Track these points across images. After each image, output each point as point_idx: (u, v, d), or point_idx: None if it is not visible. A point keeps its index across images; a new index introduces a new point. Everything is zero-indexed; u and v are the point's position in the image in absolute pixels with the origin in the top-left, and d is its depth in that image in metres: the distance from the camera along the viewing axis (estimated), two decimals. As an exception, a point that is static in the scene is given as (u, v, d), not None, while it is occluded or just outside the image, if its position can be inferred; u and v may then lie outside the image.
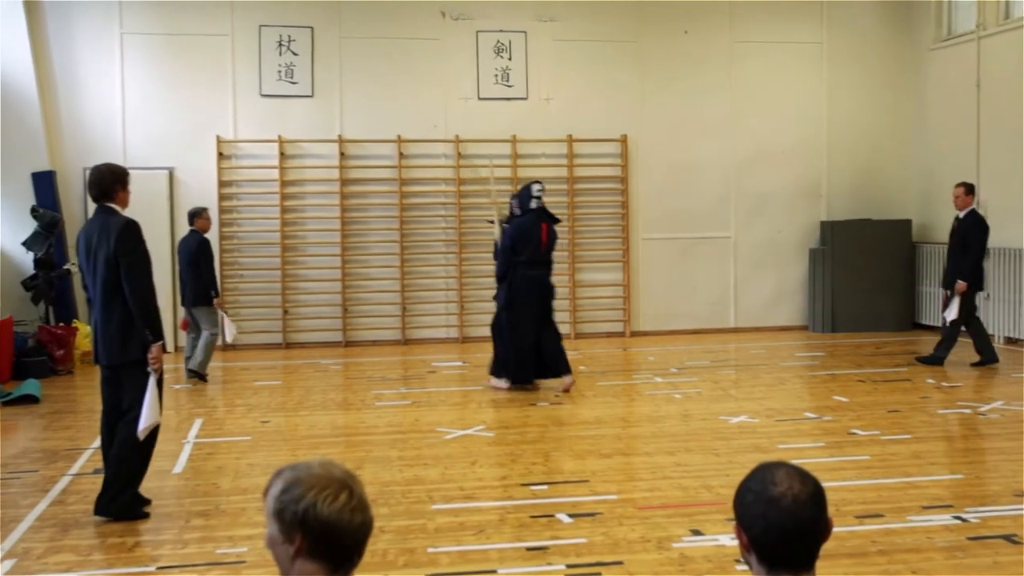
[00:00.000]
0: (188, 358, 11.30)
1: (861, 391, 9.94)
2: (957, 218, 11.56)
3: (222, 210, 13.90)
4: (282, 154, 14.00)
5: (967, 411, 8.88)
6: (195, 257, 11.13)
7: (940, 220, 14.90)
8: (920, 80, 15.29)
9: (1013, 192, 12.97)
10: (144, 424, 6.02)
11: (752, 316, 15.16)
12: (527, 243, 10.25)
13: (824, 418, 8.64)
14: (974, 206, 11.51)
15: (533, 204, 10.37)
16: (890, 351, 12.87)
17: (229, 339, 11.62)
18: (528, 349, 10.20)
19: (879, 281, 14.80)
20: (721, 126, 15.00)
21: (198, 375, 11.14)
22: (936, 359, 11.37)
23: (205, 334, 11.16)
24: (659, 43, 14.86)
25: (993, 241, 13.39)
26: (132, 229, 6.07)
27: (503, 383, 10.36)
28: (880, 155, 15.40)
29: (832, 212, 15.24)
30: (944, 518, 5.69)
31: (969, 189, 11.47)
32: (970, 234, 11.27)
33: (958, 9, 14.85)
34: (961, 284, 11.17)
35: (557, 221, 10.70)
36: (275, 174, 14.02)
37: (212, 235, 13.69)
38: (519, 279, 10.24)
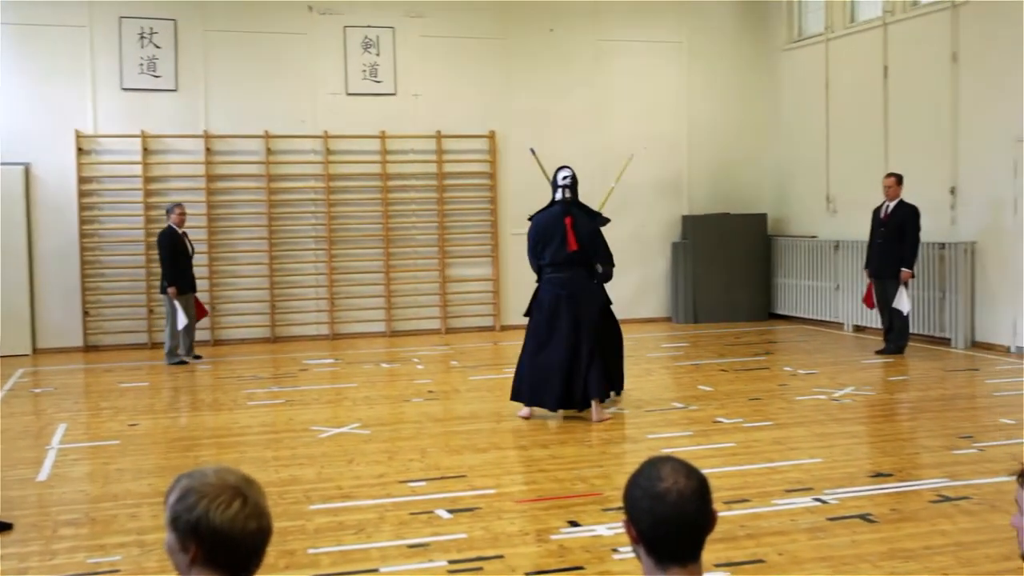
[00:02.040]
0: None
1: (724, 380, 10.34)
2: (885, 208, 11.96)
3: (82, 207, 13.45)
4: (145, 149, 13.63)
5: (822, 397, 9.34)
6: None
7: (794, 214, 15.57)
8: (774, 79, 15.92)
9: (858, 187, 13.64)
10: None
11: (618, 308, 15.25)
12: (549, 241, 8.55)
13: (691, 407, 8.96)
14: (902, 196, 11.93)
15: (558, 195, 8.71)
16: (749, 340, 13.39)
17: (180, 327, 12.06)
18: (545, 367, 8.47)
19: (737, 273, 15.36)
20: (586, 122, 15.29)
21: (181, 361, 12.13)
22: (898, 348, 11.73)
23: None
24: (525, 40, 15.06)
25: (842, 234, 14.11)
26: None
27: (523, 411, 8.70)
28: (737, 151, 15.97)
29: (693, 207, 15.74)
30: (805, 500, 6.01)
31: (899, 179, 11.93)
32: (908, 222, 11.71)
33: (808, 12, 15.52)
34: (906, 272, 11.62)
35: (595, 215, 8.91)
36: (138, 170, 13.63)
37: (71, 232, 13.38)
38: (542, 283, 8.69)
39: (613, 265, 9.10)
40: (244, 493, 2.25)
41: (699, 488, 2.25)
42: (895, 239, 11.73)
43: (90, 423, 9.00)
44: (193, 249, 12.51)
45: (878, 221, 12.06)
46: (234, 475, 2.29)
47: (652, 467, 2.28)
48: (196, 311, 12.48)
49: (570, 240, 8.49)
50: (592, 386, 8.38)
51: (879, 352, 11.85)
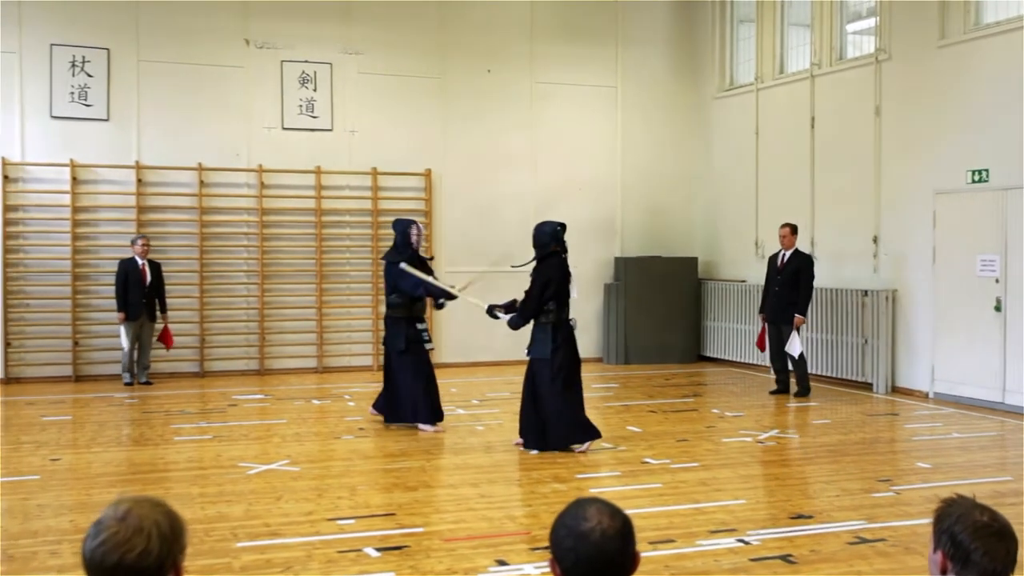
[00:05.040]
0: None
1: (653, 421, 10.47)
2: (781, 256, 12.34)
3: (7, 236, 13.23)
4: (74, 179, 13.46)
5: (748, 440, 9.51)
6: None
7: (724, 258, 15.87)
8: (706, 126, 16.28)
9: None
10: None
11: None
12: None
13: (619, 448, 9.05)
14: (797, 246, 12.33)
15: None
16: (678, 382, 13.58)
17: (124, 349, 12.87)
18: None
19: (668, 315, 15.58)
20: (522, 163, 15.47)
21: (128, 382, 12.93)
22: (805, 390, 12.09)
23: None
24: (462, 80, 15.21)
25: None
26: None
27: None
28: (669, 195, 16.26)
29: (626, 248, 15.96)
30: (729, 541, 6.11)
31: (794, 230, 12.36)
32: (803, 271, 12.10)
33: (739, 62, 15.93)
34: (799, 318, 11.98)
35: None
36: (66, 199, 13.45)
37: (-6, 262, 13.13)
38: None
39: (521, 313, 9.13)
40: (111, 526, 2.21)
41: (622, 529, 2.32)
42: (790, 286, 12.13)
43: (9, 457, 8.79)
44: (155, 279, 13.00)
45: (774, 269, 12.48)
46: (124, 507, 2.25)
47: (578, 507, 2.35)
48: (164, 338, 13.11)
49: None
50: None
51: (773, 392, 12.28)
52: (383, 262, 10.22)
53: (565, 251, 9.08)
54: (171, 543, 2.24)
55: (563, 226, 9.12)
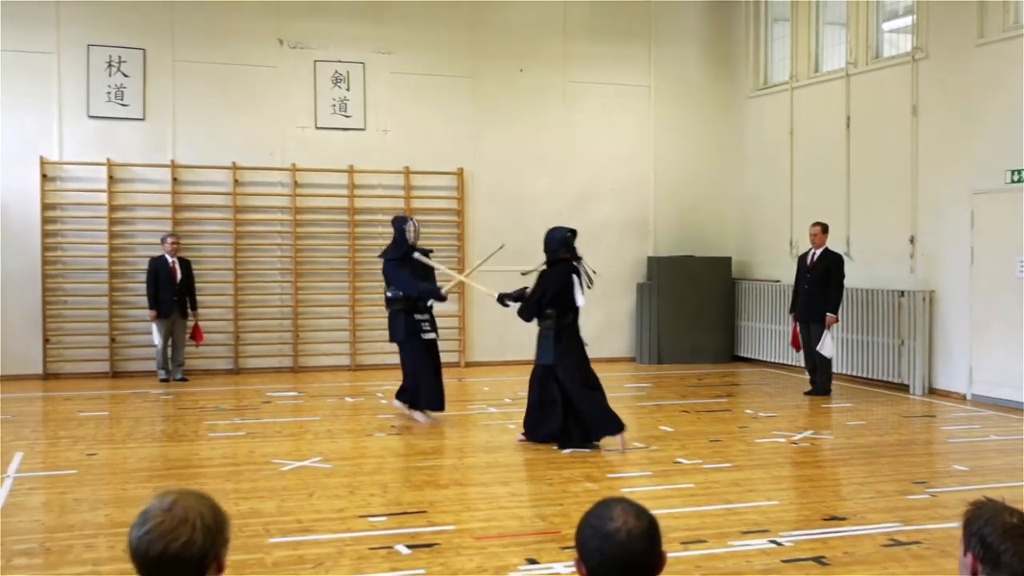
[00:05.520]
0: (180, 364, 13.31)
1: (685, 421, 10.42)
2: (811, 255, 12.29)
3: (45, 234, 13.39)
4: (111, 177, 13.61)
5: (781, 440, 9.44)
6: None
7: (758, 258, 15.78)
8: (740, 125, 16.19)
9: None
10: None
11: (582, 347, 15.57)
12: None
13: (651, 448, 9.02)
14: (827, 245, 12.28)
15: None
16: (711, 382, 13.51)
17: (156, 346, 13.11)
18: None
19: (701, 315, 15.51)
20: (555, 162, 15.45)
21: (164, 379, 13.13)
22: (825, 390, 12.05)
23: None
24: (495, 80, 15.22)
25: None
26: None
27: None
28: (703, 194, 16.18)
29: (659, 248, 15.90)
30: (761, 542, 6.07)
31: (824, 228, 12.28)
32: (833, 270, 12.05)
33: (774, 61, 15.83)
34: (831, 317, 11.92)
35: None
36: (103, 198, 13.60)
37: (33, 259, 13.28)
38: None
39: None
40: (157, 516, 2.26)
41: (648, 529, 2.31)
42: (819, 285, 12.07)
43: (47, 452, 8.91)
44: (185, 277, 13.17)
45: (804, 268, 12.40)
46: (171, 498, 2.31)
47: (604, 507, 2.34)
48: (194, 334, 13.26)
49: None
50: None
51: (807, 393, 12.15)
52: (381, 259, 10.59)
53: (577, 258, 9.08)
54: (215, 535, 2.30)
55: (573, 232, 9.16)
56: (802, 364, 12.82)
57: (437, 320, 10.49)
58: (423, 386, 10.10)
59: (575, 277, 8.96)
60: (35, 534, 6.32)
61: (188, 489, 2.38)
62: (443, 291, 10.25)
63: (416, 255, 10.21)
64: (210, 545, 2.28)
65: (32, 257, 13.33)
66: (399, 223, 10.41)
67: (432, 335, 10.22)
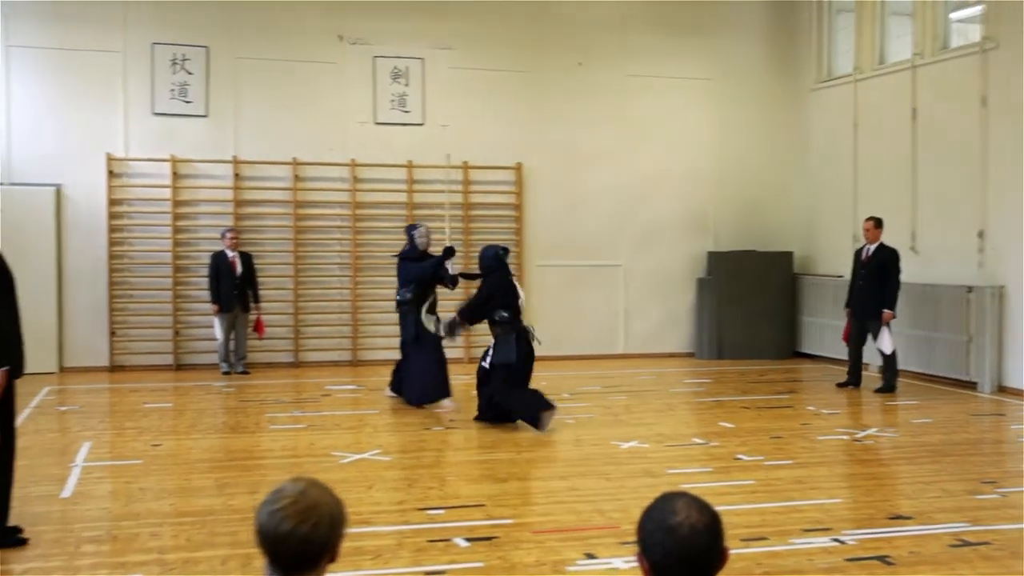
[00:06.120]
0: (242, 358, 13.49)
1: (746, 417, 10.30)
2: (866, 250, 12.16)
3: (112, 229, 13.63)
4: (175, 174, 13.82)
5: (844, 437, 9.29)
6: None
7: (820, 253, 15.55)
8: (802, 118, 15.96)
9: (886, 228, 13.55)
10: None
11: (640, 343, 15.52)
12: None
13: (711, 444, 8.93)
14: (883, 240, 12.14)
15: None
16: (772, 378, 13.34)
17: (217, 340, 13.29)
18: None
19: (762, 311, 15.32)
20: (613, 156, 15.36)
21: (226, 372, 13.31)
22: (889, 387, 11.90)
23: None
24: (554, 74, 15.17)
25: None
26: None
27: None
28: (764, 189, 15.98)
29: (718, 243, 15.74)
30: (823, 540, 5.97)
31: (878, 223, 12.12)
32: (890, 265, 11.90)
33: (837, 53, 15.57)
34: (888, 313, 11.77)
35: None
36: (167, 193, 13.81)
37: (100, 254, 13.54)
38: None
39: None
40: (291, 496, 2.37)
41: (711, 524, 2.27)
42: (874, 280, 11.92)
43: (114, 442, 9.08)
44: (245, 271, 13.32)
45: (859, 263, 12.27)
46: (306, 481, 2.44)
47: (666, 501, 2.31)
48: (256, 328, 13.43)
49: None
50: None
51: (840, 385, 12.27)
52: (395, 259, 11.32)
53: (510, 274, 9.99)
54: (337, 527, 2.43)
55: (506, 250, 10.06)
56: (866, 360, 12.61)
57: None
58: (430, 379, 10.60)
59: (514, 280, 9.96)
60: (102, 522, 6.43)
61: (316, 479, 2.50)
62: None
63: (447, 264, 10.76)
64: (332, 535, 2.41)
65: (99, 252, 13.59)
66: (410, 230, 11.17)
67: (442, 333, 10.67)
